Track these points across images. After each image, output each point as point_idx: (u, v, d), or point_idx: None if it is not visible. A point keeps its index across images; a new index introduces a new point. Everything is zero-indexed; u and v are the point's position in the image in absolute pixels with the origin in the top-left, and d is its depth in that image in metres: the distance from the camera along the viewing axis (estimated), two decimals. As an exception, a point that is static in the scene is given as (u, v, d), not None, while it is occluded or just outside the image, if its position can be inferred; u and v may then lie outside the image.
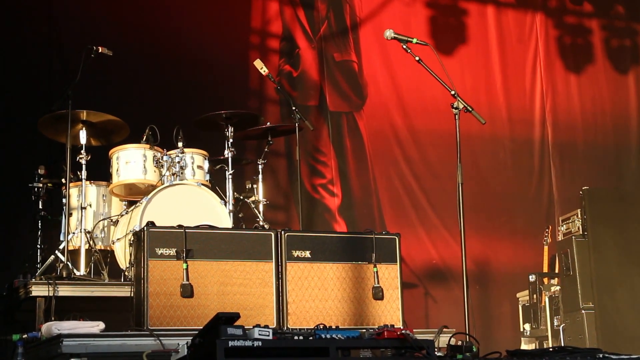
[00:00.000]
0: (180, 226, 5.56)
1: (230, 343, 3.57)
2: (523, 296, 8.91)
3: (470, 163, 9.25)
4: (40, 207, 7.18)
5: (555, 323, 8.17)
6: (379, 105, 9.79)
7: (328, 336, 3.88)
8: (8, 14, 8.15)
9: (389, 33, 5.76)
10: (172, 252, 5.46)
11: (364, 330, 4.07)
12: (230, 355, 3.53)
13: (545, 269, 8.84)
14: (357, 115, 9.69)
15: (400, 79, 9.83)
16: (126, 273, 6.48)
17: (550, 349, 5.06)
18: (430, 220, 9.61)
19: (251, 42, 9.48)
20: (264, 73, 7.80)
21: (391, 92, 9.85)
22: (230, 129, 7.23)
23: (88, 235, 6.83)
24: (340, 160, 9.46)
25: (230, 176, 7.18)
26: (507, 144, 10.19)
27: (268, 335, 3.70)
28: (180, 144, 7.01)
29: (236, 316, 3.72)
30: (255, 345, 3.63)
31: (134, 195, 7.12)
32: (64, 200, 6.93)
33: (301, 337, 3.85)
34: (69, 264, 6.47)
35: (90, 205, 7.08)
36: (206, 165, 7.18)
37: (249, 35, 9.49)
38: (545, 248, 8.96)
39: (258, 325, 3.74)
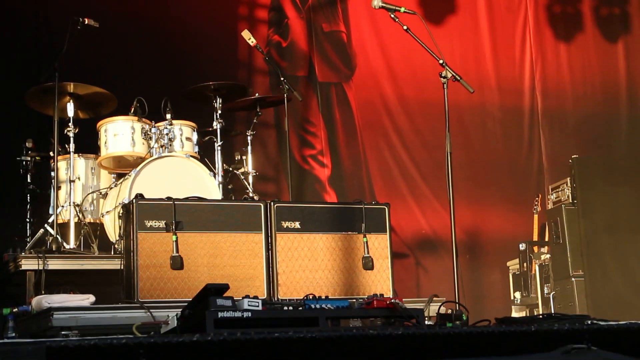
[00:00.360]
0: (169, 198, 5.55)
1: (220, 314, 3.57)
2: (513, 265, 8.94)
3: (459, 132, 9.24)
4: (29, 180, 7.16)
5: (546, 291, 8.22)
6: (368, 76, 9.75)
7: (317, 306, 3.89)
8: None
9: (377, 2, 5.74)
10: (162, 224, 5.46)
11: (354, 300, 4.08)
12: (219, 326, 3.54)
13: (536, 238, 8.87)
14: (346, 85, 9.65)
15: (389, 49, 9.79)
16: (116, 246, 6.46)
17: (539, 316, 5.08)
18: (421, 191, 9.61)
19: (239, 13, 9.40)
20: (251, 44, 7.78)
21: (380, 62, 9.81)
22: (219, 100, 7.20)
23: (77, 209, 6.81)
24: (329, 131, 9.44)
25: (219, 148, 7.16)
26: (496, 113, 10.17)
27: (257, 306, 3.71)
28: (168, 116, 6.97)
29: (225, 287, 3.73)
30: (244, 316, 3.64)
31: (123, 167, 7.09)
32: (52, 174, 6.92)
33: (291, 308, 3.87)
34: (59, 238, 6.46)
35: (78, 178, 7.05)
36: (195, 137, 7.15)
37: (238, 6, 9.42)
38: (535, 217, 8.98)
39: (247, 296, 3.74)
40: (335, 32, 9.70)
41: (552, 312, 7.76)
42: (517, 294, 8.73)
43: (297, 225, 5.77)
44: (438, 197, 9.45)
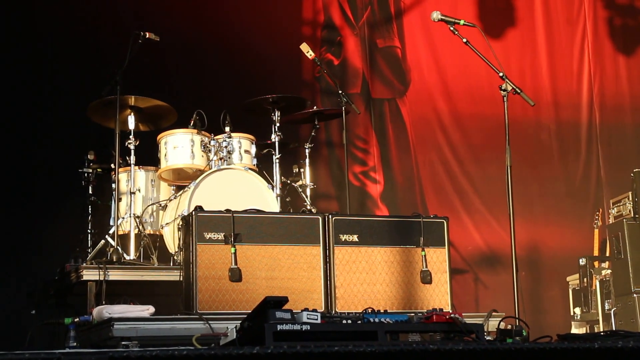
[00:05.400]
0: (228, 210, 5.59)
1: (279, 327, 3.58)
2: (573, 280, 8.82)
3: (515, 148, 9.10)
4: (90, 192, 7.26)
5: (607, 307, 8.08)
6: (422, 91, 9.71)
7: (376, 320, 3.87)
8: (57, 1, 8.23)
9: (436, 15, 5.72)
10: (221, 236, 5.50)
11: (413, 314, 4.06)
12: (278, 338, 3.54)
13: (596, 253, 8.74)
14: (400, 101, 9.62)
15: (444, 64, 9.74)
16: (175, 257, 6.52)
17: (602, 333, 5.00)
18: (475, 206, 9.53)
19: (303, 33, 9.43)
20: (310, 57, 7.81)
21: (435, 77, 9.77)
22: (277, 113, 7.23)
23: (137, 220, 6.88)
24: (382, 147, 9.41)
25: (277, 160, 7.19)
26: (553, 128, 10.05)
27: (316, 319, 3.71)
28: (227, 129, 7.03)
29: (284, 300, 3.73)
30: (303, 329, 3.64)
31: (182, 180, 7.16)
32: (113, 186, 7.00)
33: (349, 321, 3.85)
34: (119, 249, 6.53)
35: (139, 190, 7.13)
36: (253, 149, 7.19)
37: (301, 26, 9.46)
38: (596, 231, 8.85)
39: (306, 309, 3.74)
40: (389, 47, 9.69)
41: (614, 328, 7.63)
42: (577, 310, 8.59)
43: (355, 238, 5.77)
44: (492, 212, 9.38)
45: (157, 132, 7.23)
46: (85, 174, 7.26)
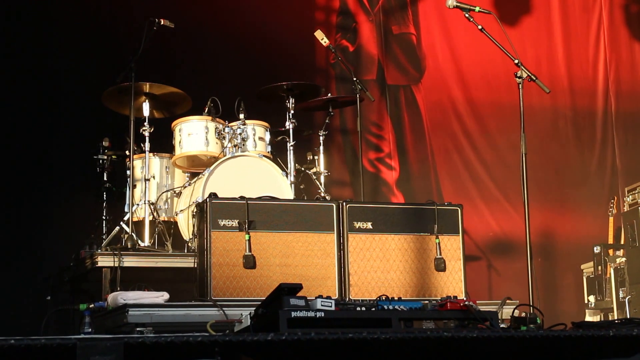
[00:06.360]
0: (242, 197, 5.60)
1: (293, 314, 3.58)
2: (587, 268, 8.80)
3: (530, 135, 9.08)
4: (105, 178, 7.28)
5: (621, 295, 8.06)
6: (437, 78, 9.69)
7: (390, 307, 3.87)
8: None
9: (452, 2, 5.72)
10: (235, 223, 5.50)
11: (427, 302, 4.06)
12: (292, 325, 3.55)
13: (611, 240, 8.72)
14: (415, 88, 9.60)
15: (459, 51, 9.71)
16: (189, 244, 6.54)
17: (617, 321, 4.99)
18: (490, 193, 9.51)
19: (316, 18, 9.42)
20: (324, 44, 7.82)
21: (450, 64, 9.74)
22: (291, 100, 7.23)
23: (152, 207, 6.89)
24: (397, 133, 9.41)
25: (291, 148, 7.19)
26: (569, 115, 10.02)
27: (331, 306, 3.71)
28: (241, 116, 7.03)
29: (299, 287, 3.74)
30: (317, 316, 3.64)
31: (197, 167, 7.17)
32: (128, 172, 7.03)
33: (363, 308, 3.86)
34: (134, 235, 6.56)
35: (153, 177, 7.15)
36: (267, 136, 7.20)
37: (314, 11, 9.44)
38: (611, 219, 8.82)
39: (320, 296, 3.75)
40: (405, 34, 9.67)
41: (628, 316, 7.61)
42: (592, 298, 8.58)
43: (369, 225, 5.77)
44: (508, 199, 9.36)
45: (171, 119, 7.23)
46: (100, 161, 7.29)
